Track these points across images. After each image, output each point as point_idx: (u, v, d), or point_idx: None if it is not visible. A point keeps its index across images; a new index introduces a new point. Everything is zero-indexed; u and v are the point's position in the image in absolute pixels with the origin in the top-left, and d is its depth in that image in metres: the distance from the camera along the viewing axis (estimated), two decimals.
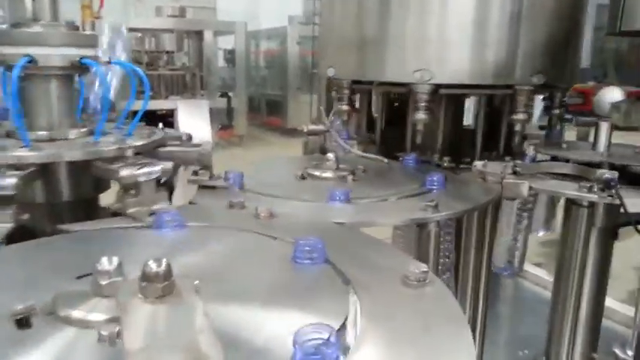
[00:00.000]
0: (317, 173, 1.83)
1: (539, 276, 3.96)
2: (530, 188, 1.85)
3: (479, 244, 1.92)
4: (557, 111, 2.40)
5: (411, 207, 1.50)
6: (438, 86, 2.09)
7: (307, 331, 0.70)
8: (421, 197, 1.62)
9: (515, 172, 1.92)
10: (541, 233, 2.54)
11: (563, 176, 1.92)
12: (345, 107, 2.32)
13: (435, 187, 1.69)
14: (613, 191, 1.71)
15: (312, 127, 2.35)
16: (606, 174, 1.75)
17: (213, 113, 10.74)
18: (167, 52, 11.45)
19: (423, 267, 0.96)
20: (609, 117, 2.20)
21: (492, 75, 2.05)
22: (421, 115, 2.10)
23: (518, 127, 2.16)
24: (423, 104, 2.08)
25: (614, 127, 2.04)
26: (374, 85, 2.30)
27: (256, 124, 13.29)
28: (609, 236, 2.02)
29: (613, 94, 2.36)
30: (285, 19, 12.81)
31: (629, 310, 3.59)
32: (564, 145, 2.14)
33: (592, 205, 1.81)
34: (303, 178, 1.83)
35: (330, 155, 1.88)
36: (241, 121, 11.80)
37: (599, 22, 2.10)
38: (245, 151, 10.86)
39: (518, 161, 1.96)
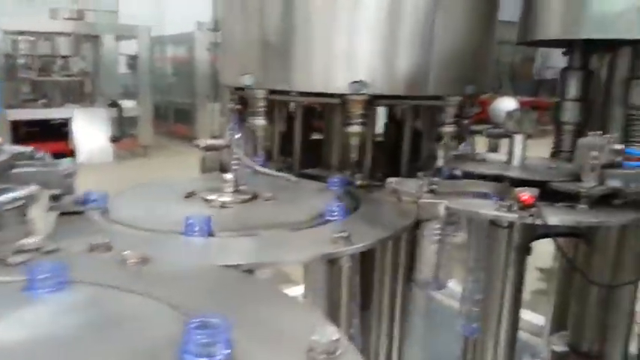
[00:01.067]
0: (211, 197, 1.57)
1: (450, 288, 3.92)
2: (448, 208, 1.71)
3: (394, 267, 1.76)
4: (466, 121, 2.31)
5: (321, 238, 1.28)
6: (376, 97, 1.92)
7: None
8: (333, 225, 1.41)
9: (432, 191, 1.77)
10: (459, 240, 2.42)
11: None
12: (261, 122, 2.06)
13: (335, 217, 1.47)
14: (533, 210, 1.60)
15: (210, 141, 2.07)
16: (526, 192, 1.64)
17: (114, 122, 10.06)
18: (62, 56, 10.61)
19: (334, 334, 0.74)
20: (504, 125, 2.19)
21: (418, 85, 1.92)
22: (356, 128, 1.91)
23: (446, 140, 2.03)
24: (357, 119, 1.90)
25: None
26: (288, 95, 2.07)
27: (163, 133, 12.64)
28: (525, 252, 1.95)
29: (507, 104, 2.38)
30: (193, 25, 12.35)
31: (534, 318, 3.65)
32: (479, 158, 2.04)
33: (511, 224, 1.69)
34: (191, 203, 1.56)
35: (228, 175, 1.62)
36: (146, 131, 11.14)
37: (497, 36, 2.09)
38: (150, 162, 10.24)
39: (435, 178, 1.81)
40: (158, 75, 13.22)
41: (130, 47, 11.81)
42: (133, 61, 11.84)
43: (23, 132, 9.36)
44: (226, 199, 1.59)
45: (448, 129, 1.97)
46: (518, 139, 1.96)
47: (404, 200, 1.70)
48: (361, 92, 1.84)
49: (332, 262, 1.26)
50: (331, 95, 1.93)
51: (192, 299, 0.86)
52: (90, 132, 9.80)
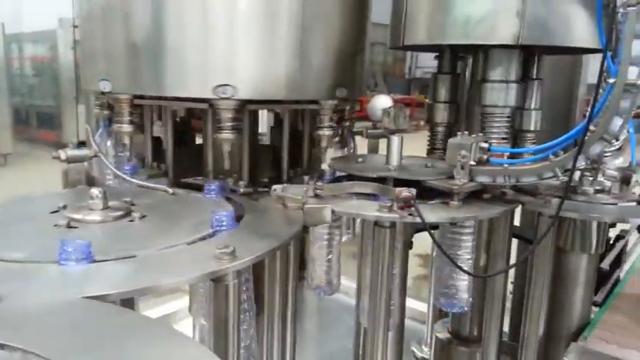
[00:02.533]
0: (76, 216, 1.41)
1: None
2: (333, 212, 1.71)
3: (284, 271, 1.72)
4: (347, 123, 2.35)
5: (204, 255, 1.20)
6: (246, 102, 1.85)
7: None
8: (217, 238, 1.33)
9: (317, 195, 1.76)
10: (344, 238, 2.46)
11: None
12: (127, 128, 1.91)
13: (223, 228, 1.41)
14: (412, 209, 1.66)
15: (73, 152, 1.88)
16: (404, 192, 1.69)
17: None
18: None
19: None
20: (380, 121, 2.28)
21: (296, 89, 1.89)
22: (226, 135, 1.83)
23: (323, 143, 2.03)
24: (228, 123, 1.82)
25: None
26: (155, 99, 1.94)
27: (25, 139, 11.48)
28: (408, 247, 2.03)
29: (383, 101, 2.47)
30: (54, 21, 11.30)
31: (417, 305, 3.85)
32: (360, 160, 2.07)
33: (393, 224, 1.74)
34: (56, 224, 1.39)
35: (95, 191, 1.47)
36: (4, 137, 10.05)
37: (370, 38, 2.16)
38: (9, 172, 9.24)
39: (320, 182, 1.80)
40: (16, 76, 11.98)
41: None
42: None
43: None
44: (95, 217, 1.44)
45: (325, 132, 1.97)
46: (395, 139, 2.02)
47: (290, 207, 1.67)
48: (225, 97, 1.78)
49: (217, 279, 1.19)
50: (202, 100, 1.84)
51: (51, 342, 0.75)
52: None
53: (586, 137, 1.60)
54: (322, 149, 2.06)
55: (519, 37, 1.78)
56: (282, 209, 1.66)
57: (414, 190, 1.70)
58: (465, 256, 2.00)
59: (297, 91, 1.92)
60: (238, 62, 1.80)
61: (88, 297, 0.91)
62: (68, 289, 0.98)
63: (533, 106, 2.07)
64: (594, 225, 2.03)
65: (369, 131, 2.42)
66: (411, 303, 3.50)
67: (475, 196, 1.88)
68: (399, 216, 1.65)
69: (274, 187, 1.73)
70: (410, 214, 1.65)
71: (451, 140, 1.85)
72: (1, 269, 1.07)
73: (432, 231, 1.81)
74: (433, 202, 1.80)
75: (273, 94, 1.87)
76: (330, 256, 2.03)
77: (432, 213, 1.71)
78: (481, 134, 1.90)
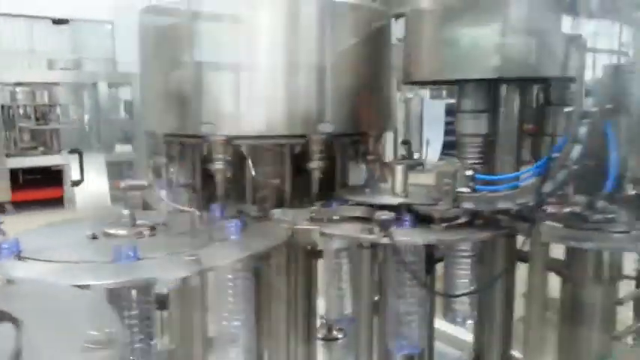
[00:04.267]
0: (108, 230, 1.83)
1: None
2: (322, 234, 1.94)
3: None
4: (372, 157, 2.55)
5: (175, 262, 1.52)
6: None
7: None
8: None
9: (311, 219, 2.01)
10: None
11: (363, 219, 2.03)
12: (162, 160, 2.33)
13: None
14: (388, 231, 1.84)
15: (131, 182, 2.34)
16: (383, 215, 1.88)
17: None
18: (60, 105, 11.09)
19: None
20: None
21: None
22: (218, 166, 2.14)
23: (314, 174, 2.20)
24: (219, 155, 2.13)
25: None
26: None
27: None
28: None
29: None
30: None
31: None
32: (367, 190, 2.27)
33: (374, 244, 1.92)
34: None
35: (125, 212, 1.88)
36: None
37: None
38: None
39: (319, 207, 2.05)
40: None
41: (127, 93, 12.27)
42: (129, 106, 12.29)
43: (22, 179, 9.77)
44: (122, 231, 1.84)
45: (314, 164, 2.18)
46: (399, 169, 2.20)
47: (282, 227, 1.94)
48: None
49: (184, 280, 1.50)
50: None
51: None
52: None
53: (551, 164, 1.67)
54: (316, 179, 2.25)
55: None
56: (273, 228, 1.93)
57: (392, 214, 1.88)
58: (463, 280, 2.08)
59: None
60: None
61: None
62: None
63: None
64: (606, 255, 2.02)
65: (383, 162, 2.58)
66: None
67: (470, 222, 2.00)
68: (376, 237, 1.84)
69: (274, 210, 2.02)
70: (385, 236, 1.83)
71: (438, 168, 1.99)
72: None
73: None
74: (418, 226, 1.95)
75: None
76: (343, 282, 2.18)
77: (405, 236, 1.87)
78: (468, 162, 2.01)
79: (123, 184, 2.36)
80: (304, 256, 2.23)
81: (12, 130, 10.37)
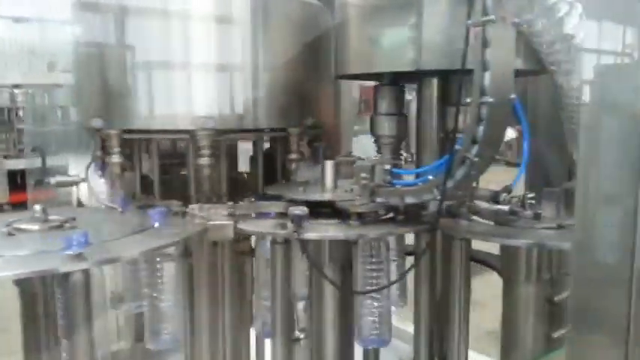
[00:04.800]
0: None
1: None
2: (236, 229, 1.93)
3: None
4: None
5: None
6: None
7: None
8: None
9: (231, 214, 1.99)
10: None
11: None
12: (116, 160, 2.28)
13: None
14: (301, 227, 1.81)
15: (63, 178, 2.34)
16: (296, 210, 1.85)
17: None
18: (60, 107, 11.15)
19: None
20: None
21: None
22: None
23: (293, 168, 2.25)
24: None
25: None
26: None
27: None
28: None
29: None
30: None
31: None
32: (300, 189, 2.24)
33: (287, 240, 1.90)
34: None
35: (37, 207, 1.87)
36: None
37: None
38: None
39: (243, 203, 2.03)
40: None
41: None
42: None
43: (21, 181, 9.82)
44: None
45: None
46: (328, 164, 2.17)
47: (196, 223, 1.93)
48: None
49: (65, 275, 1.49)
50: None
51: None
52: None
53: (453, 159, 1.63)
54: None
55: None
56: (189, 224, 1.92)
57: (305, 209, 1.85)
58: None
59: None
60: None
61: None
62: None
63: None
64: (535, 251, 1.98)
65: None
66: None
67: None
68: (286, 232, 1.81)
69: (191, 206, 2.00)
70: (295, 232, 1.81)
71: (356, 163, 1.97)
72: None
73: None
74: (333, 221, 1.93)
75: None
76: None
77: (315, 232, 1.85)
78: (387, 157, 1.99)
79: (53, 180, 2.37)
80: (233, 254, 2.21)
81: (11, 132, 10.45)
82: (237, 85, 2.19)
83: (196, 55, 2.14)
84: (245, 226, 1.92)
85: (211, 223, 1.91)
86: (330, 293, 2.01)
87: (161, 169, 2.48)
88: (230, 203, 2.00)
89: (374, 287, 1.89)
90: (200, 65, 2.15)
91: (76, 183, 2.35)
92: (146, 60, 2.17)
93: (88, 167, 2.37)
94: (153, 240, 1.71)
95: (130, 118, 2.17)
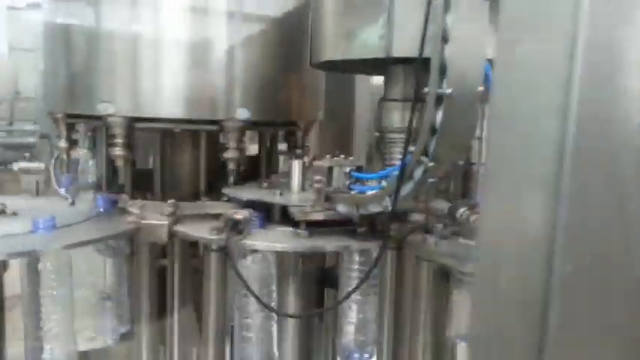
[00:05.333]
0: None
1: None
2: (172, 231, 1.70)
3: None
4: (299, 151, 2.29)
5: None
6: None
7: None
8: None
9: (172, 214, 1.77)
10: None
11: None
12: (63, 144, 2.16)
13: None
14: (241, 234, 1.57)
15: (27, 164, 2.21)
16: (237, 214, 1.61)
17: None
18: None
19: None
20: None
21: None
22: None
23: (232, 166, 1.98)
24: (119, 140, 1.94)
25: None
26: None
27: None
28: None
29: None
30: None
31: None
32: (265, 184, 1.99)
33: (223, 248, 1.64)
34: None
35: None
36: None
37: None
38: None
39: (186, 203, 1.82)
40: None
41: None
42: None
43: None
44: None
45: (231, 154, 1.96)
46: (295, 164, 1.91)
47: (129, 221, 1.72)
48: None
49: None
50: None
51: None
52: None
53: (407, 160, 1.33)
54: (232, 172, 2.03)
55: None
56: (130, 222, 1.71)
57: (248, 212, 1.61)
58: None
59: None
60: None
61: None
62: None
63: None
64: None
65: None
66: None
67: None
68: (218, 238, 1.57)
69: (130, 202, 1.80)
70: (228, 238, 1.56)
71: (315, 163, 1.70)
72: None
73: None
74: (282, 228, 1.66)
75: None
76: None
77: (268, 240, 1.59)
78: (350, 158, 1.69)
79: (16, 167, 2.24)
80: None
81: None
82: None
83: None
84: (182, 228, 1.70)
85: (144, 222, 1.70)
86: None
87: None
88: (172, 201, 1.78)
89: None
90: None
91: (42, 171, 2.22)
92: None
93: (55, 158, 2.24)
94: (55, 239, 1.52)
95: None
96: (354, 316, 1.77)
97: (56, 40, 2.12)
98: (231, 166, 2.00)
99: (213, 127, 1.99)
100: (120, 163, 1.98)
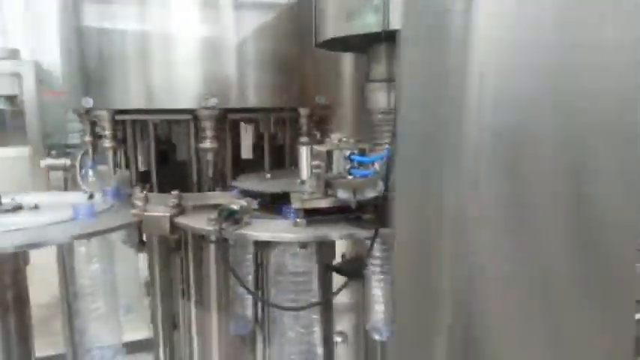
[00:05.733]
0: None
1: None
2: (173, 222, 1.67)
3: None
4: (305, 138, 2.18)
5: None
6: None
7: None
8: None
9: (178, 205, 1.74)
10: None
11: None
12: (108, 144, 2.14)
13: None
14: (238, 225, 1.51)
15: (53, 161, 2.27)
16: (232, 205, 1.55)
17: None
18: None
19: None
20: None
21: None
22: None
23: (209, 157, 1.87)
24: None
25: None
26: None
27: None
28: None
29: None
30: None
31: None
32: (268, 176, 1.92)
33: (224, 239, 1.59)
34: None
35: None
36: None
37: None
38: None
39: (190, 194, 1.78)
40: None
41: None
42: None
43: None
44: None
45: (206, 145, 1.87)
46: (303, 151, 1.83)
47: (133, 214, 1.70)
48: None
49: None
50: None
51: None
52: None
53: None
54: (210, 164, 1.92)
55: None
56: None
57: (243, 202, 1.55)
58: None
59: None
60: None
61: None
62: None
63: None
64: None
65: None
66: None
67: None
68: (213, 229, 1.52)
69: (137, 194, 1.79)
70: (222, 229, 1.50)
71: (314, 149, 1.60)
72: None
73: None
74: (280, 218, 1.59)
75: None
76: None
77: (268, 230, 1.53)
78: (351, 141, 1.58)
79: (43, 163, 2.31)
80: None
81: None
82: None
83: None
84: (183, 219, 1.66)
85: (147, 214, 1.68)
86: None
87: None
88: (175, 192, 1.75)
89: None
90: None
91: (68, 167, 2.28)
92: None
93: (81, 154, 2.28)
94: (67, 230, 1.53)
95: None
96: (381, 295, 1.69)
97: (71, 39, 2.15)
98: (208, 157, 1.88)
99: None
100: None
